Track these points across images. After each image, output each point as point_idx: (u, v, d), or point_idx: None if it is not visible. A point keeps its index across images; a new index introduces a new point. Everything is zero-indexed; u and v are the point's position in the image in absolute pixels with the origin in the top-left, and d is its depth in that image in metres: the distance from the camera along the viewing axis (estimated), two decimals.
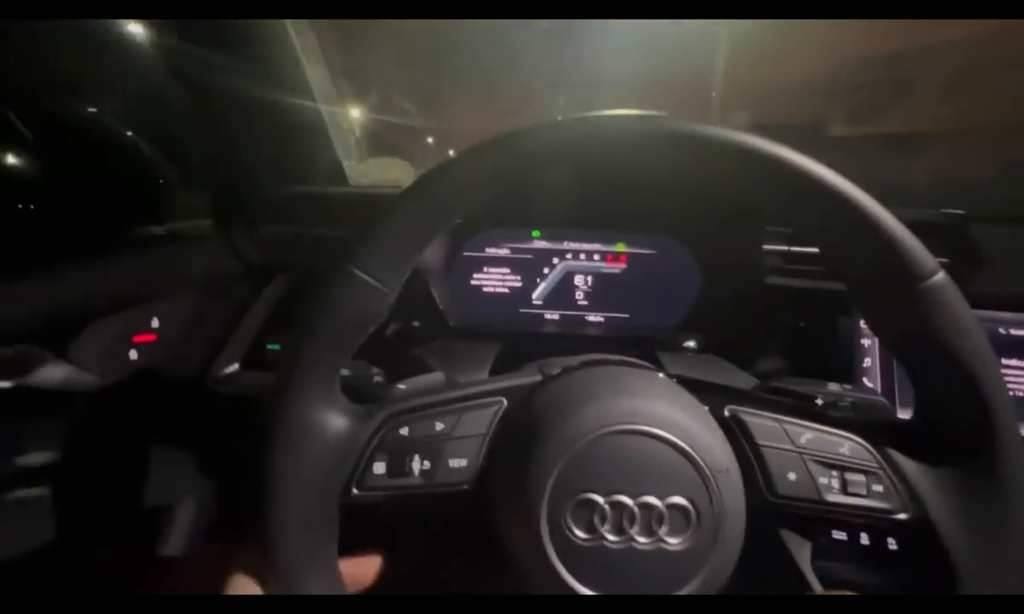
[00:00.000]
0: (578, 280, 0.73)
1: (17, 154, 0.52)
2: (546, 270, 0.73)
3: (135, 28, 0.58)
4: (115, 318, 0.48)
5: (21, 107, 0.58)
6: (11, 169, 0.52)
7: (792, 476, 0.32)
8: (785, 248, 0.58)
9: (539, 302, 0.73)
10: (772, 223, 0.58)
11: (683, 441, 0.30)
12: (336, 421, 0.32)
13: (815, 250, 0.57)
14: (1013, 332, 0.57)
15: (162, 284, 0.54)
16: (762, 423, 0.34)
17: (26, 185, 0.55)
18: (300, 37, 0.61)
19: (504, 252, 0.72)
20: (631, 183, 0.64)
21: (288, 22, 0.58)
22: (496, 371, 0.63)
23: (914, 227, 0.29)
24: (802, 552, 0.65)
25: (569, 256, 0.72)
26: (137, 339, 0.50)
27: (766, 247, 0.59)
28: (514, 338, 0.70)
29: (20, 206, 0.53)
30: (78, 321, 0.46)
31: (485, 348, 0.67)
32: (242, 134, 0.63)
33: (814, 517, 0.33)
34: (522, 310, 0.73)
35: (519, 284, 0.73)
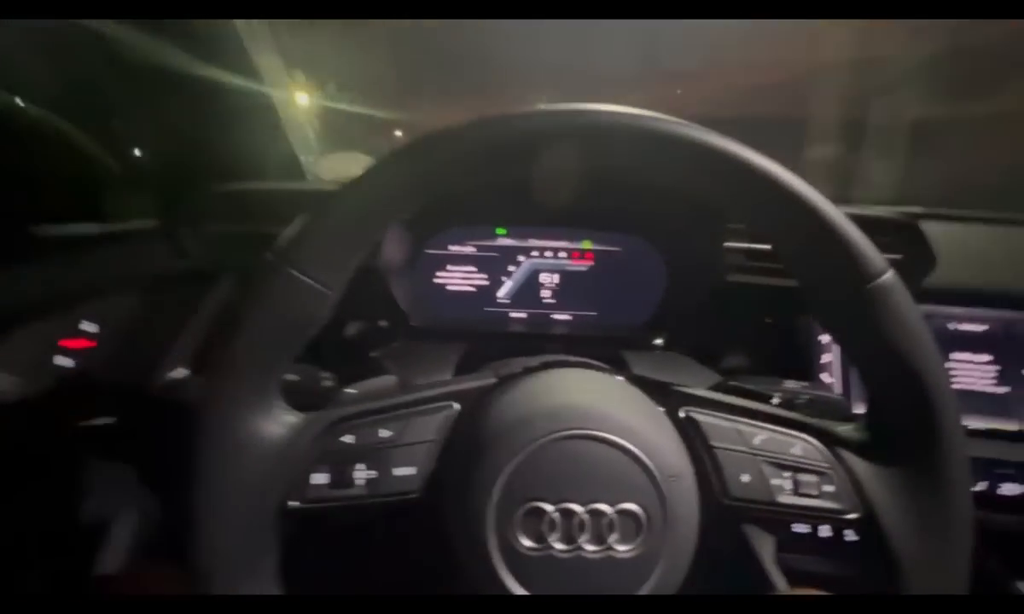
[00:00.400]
0: (544, 278, 0.72)
1: None
2: (511, 268, 0.71)
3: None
4: (40, 323, 0.44)
5: None
6: None
7: (746, 478, 0.32)
8: (746, 246, 0.58)
9: (505, 301, 0.72)
10: (733, 220, 0.58)
11: (634, 445, 0.29)
12: (273, 429, 0.30)
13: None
14: (962, 327, 0.58)
15: (100, 286, 0.51)
16: (717, 424, 0.33)
17: None
18: (247, 23, 0.58)
19: (468, 250, 0.71)
20: (598, 180, 0.64)
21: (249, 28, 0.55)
22: (460, 372, 0.61)
23: (869, 224, 0.29)
24: (765, 547, 0.66)
25: (535, 254, 0.71)
26: (66, 344, 0.47)
27: (728, 245, 0.59)
28: (479, 338, 0.69)
29: None
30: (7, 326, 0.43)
31: (449, 349, 0.65)
32: (188, 126, 0.59)
33: (770, 517, 0.33)
34: (487, 309, 0.72)
35: (484, 283, 0.72)
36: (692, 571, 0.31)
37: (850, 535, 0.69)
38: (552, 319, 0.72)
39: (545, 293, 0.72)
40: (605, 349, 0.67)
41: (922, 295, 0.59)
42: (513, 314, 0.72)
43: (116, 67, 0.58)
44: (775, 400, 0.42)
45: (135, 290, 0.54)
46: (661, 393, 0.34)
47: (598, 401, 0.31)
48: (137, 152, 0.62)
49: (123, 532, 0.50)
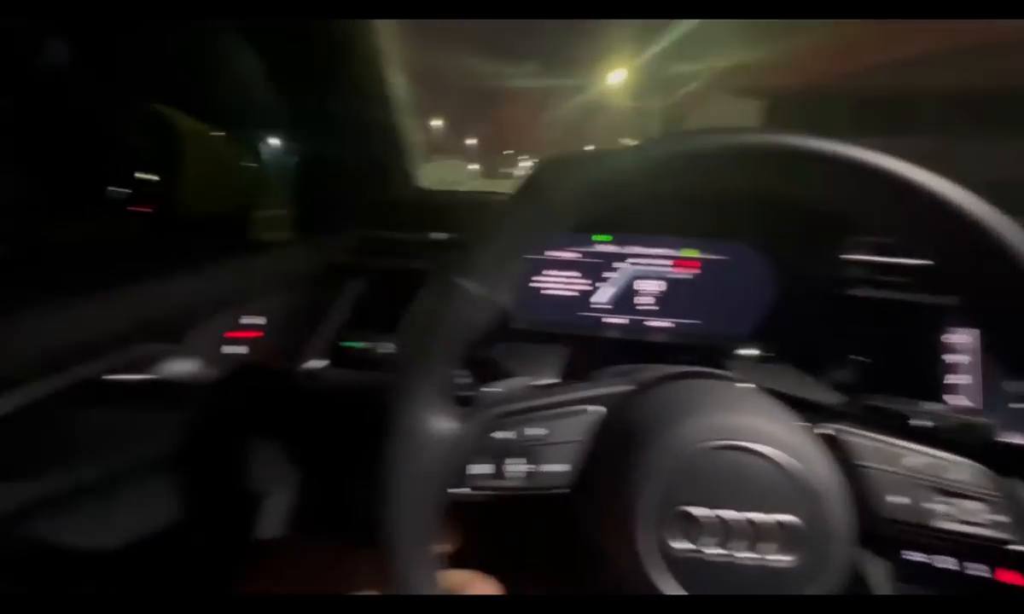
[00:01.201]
0: (642, 285, 0.72)
1: (137, 165, 0.57)
2: (608, 274, 0.73)
3: (233, 45, 0.62)
4: (221, 316, 0.52)
5: (133, 117, 0.63)
6: (132, 180, 0.57)
7: (897, 499, 0.32)
8: (869, 258, 0.56)
9: (603, 306, 0.74)
10: (859, 233, 0.56)
11: (787, 458, 0.30)
12: (445, 423, 0.33)
13: (902, 261, 0.55)
14: None
15: (261, 285, 0.58)
16: (861, 443, 0.33)
17: (145, 194, 0.59)
18: (383, 49, 0.63)
19: (566, 255, 0.73)
20: (708, 190, 0.64)
21: (376, 39, 0.60)
22: (562, 374, 0.64)
23: None
24: (877, 574, 0.63)
25: (633, 261, 0.72)
26: (242, 335, 0.54)
27: (849, 257, 0.57)
28: (575, 341, 0.70)
29: (138, 215, 0.57)
30: (188, 320, 0.50)
31: (548, 351, 0.68)
32: (328, 148, 0.66)
33: (904, 540, 0.33)
34: (581, 313, 0.74)
35: (582, 287, 0.73)
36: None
37: (971, 568, 0.64)
38: (648, 326, 0.73)
39: (643, 299, 0.73)
40: (705, 358, 0.67)
41: None
42: (608, 319, 0.74)
43: (265, 84, 0.65)
44: (916, 421, 0.41)
45: (287, 288, 0.61)
46: (800, 408, 0.35)
47: (746, 414, 0.32)
48: (285, 164, 0.70)
49: (276, 504, 0.57)
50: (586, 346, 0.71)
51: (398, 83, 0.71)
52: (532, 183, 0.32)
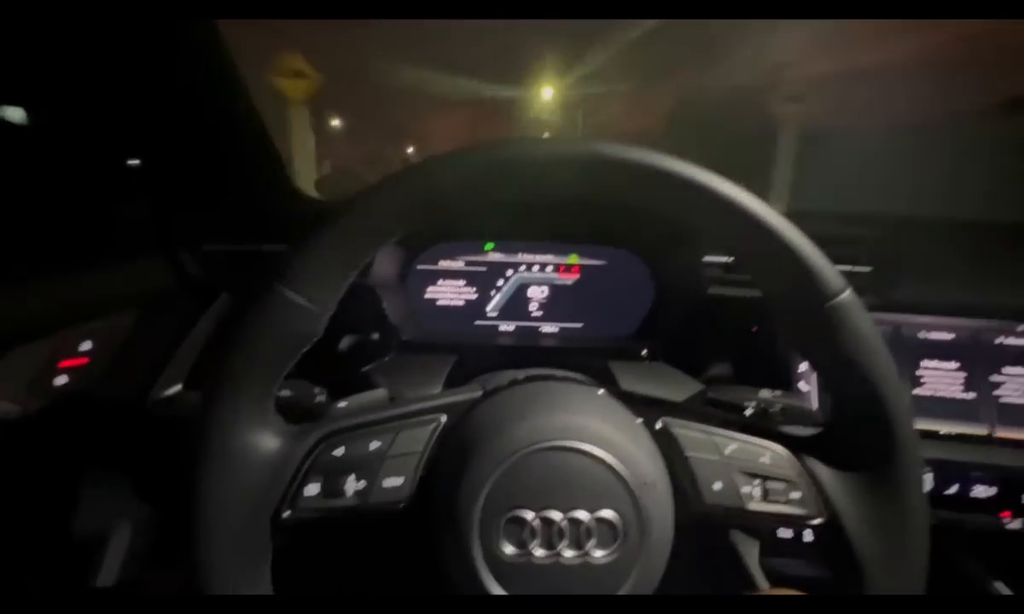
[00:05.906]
0: (532, 291, 0.74)
1: None
2: (500, 282, 0.73)
3: (78, 34, 0.55)
4: (41, 342, 0.45)
5: None
6: None
7: (718, 486, 0.34)
8: (724, 259, 0.60)
9: (493, 314, 0.74)
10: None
11: (609, 455, 0.31)
12: (268, 442, 0.31)
13: None
14: (931, 336, 0.61)
15: (96, 304, 0.52)
16: (691, 435, 0.35)
17: None
18: (240, 45, 0.59)
19: (458, 265, 0.73)
20: (536, 197, 0.66)
21: (222, 29, 0.56)
22: (450, 385, 0.63)
23: (837, 239, 0.31)
24: (750, 551, 0.68)
25: (523, 268, 0.73)
26: (64, 363, 0.48)
27: (707, 259, 0.61)
28: (469, 351, 0.70)
29: None
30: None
31: (439, 362, 0.67)
32: (183, 147, 0.61)
33: (741, 523, 0.35)
34: (477, 323, 0.74)
35: (473, 297, 0.73)
36: (676, 572, 0.33)
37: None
38: (540, 332, 0.74)
39: (533, 306, 0.74)
40: (592, 360, 0.69)
41: (892, 305, 0.61)
42: (502, 327, 0.74)
43: (118, 88, 0.59)
44: (749, 410, 0.44)
45: (133, 308, 0.55)
46: (640, 405, 0.36)
47: (577, 414, 0.33)
48: (134, 169, 0.63)
49: (118, 545, 0.51)
50: (480, 355, 0.71)
51: (275, 81, 0.67)
52: (359, 194, 0.31)
